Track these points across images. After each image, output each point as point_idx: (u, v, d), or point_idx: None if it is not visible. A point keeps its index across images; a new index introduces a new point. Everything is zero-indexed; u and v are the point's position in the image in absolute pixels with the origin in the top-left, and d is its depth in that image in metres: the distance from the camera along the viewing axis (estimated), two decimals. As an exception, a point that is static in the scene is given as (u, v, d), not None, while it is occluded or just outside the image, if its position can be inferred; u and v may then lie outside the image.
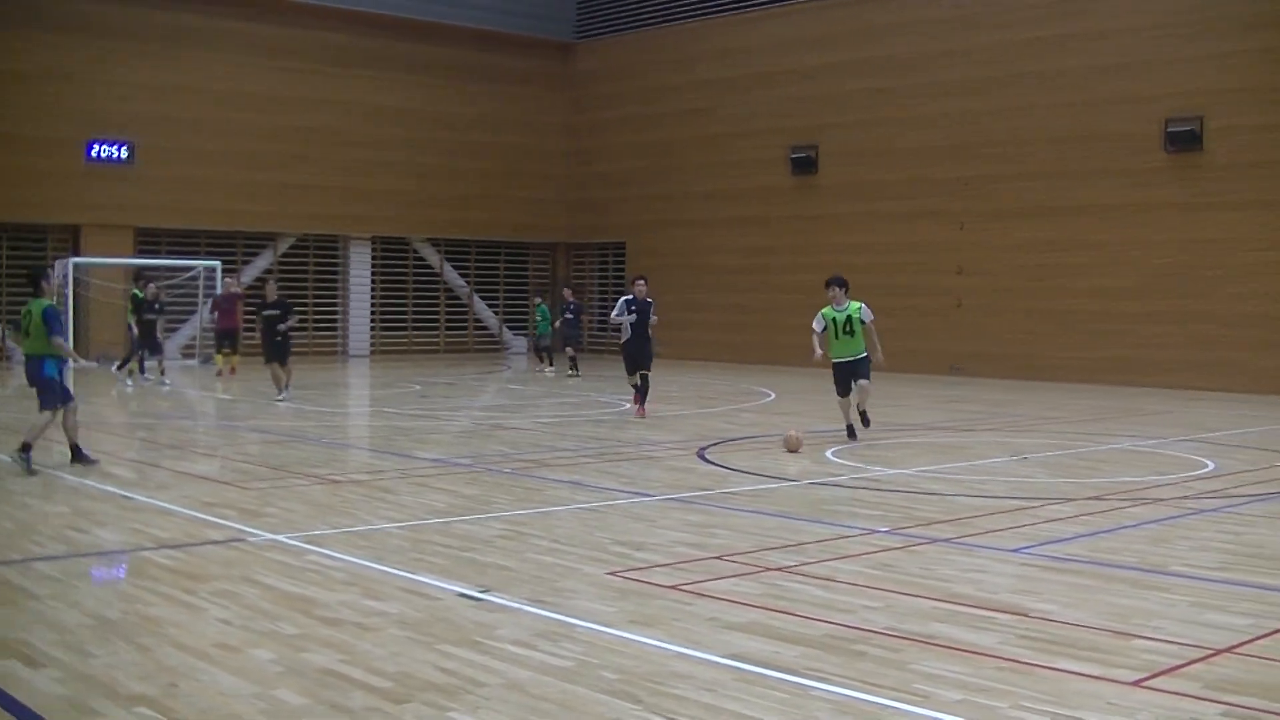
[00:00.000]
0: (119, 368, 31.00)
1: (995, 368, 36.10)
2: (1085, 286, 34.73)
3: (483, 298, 49.09)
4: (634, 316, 23.97)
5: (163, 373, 31.09)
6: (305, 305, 44.64)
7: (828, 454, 18.40)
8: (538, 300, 38.88)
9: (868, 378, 20.35)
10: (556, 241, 49.95)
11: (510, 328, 49.73)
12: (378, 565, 10.41)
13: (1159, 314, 33.35)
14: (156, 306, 31.14)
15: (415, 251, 47.39)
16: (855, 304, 20.55)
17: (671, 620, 8.67)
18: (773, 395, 29.45)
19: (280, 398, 26.37)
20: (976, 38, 37.35)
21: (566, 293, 36.91)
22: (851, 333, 20.33)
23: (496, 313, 49.50)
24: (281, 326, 26.98)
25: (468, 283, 48.54)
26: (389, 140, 45.35)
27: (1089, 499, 14.32)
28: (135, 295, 31.13)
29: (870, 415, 20.82)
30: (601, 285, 49.47)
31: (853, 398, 20.36)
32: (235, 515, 12.74)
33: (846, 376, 20.37)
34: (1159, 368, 33.06)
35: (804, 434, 19.43)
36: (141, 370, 31.46)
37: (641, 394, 23.78)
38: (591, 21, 49.11)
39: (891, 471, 16.55)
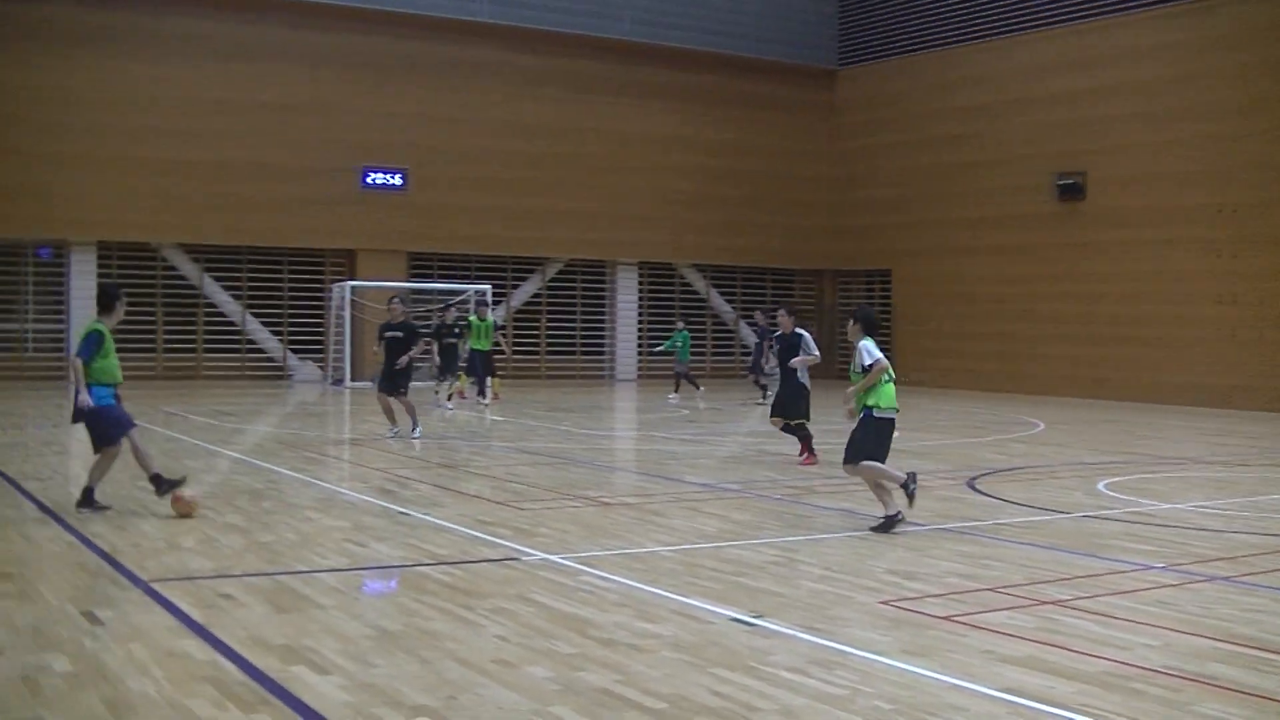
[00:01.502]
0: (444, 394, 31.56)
1: (1265, 400, 35.02)
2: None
3: (749, 324, 49.14)
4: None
5: (449, 396, 31.35)
6: (573, 329, 45.25)
7: (1099, 486, 18.06)
8: (680, 326, 38.67)
9: None
10: (822, 269, 49.82)
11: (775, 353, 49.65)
12: (650, 587, 10.52)
13: None
14: (456, 330, 31.56)
15: (682, 277, 47.69)
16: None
17: (945, 651, 8.62)
18: (1041, 425, 28.97)
19: (390, 433, 23.42)
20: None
21: (758, 316, 36.53)
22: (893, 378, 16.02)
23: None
24: (405, 358, 22.91)
25: (734, 308, 48.66)
26: (653, 167, 45.73)
27: (1376, 539, 13.87)
28: (469, 321, 31.84)
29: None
30: (867, 312, 49.12)
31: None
32: (510, 534, 12.97)
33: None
34: None
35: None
36: (480, 393, 32.02)
37: (804, 441, 20.39)
38: (854, 48, 48.92)
39: (1165, 506, 16.17)
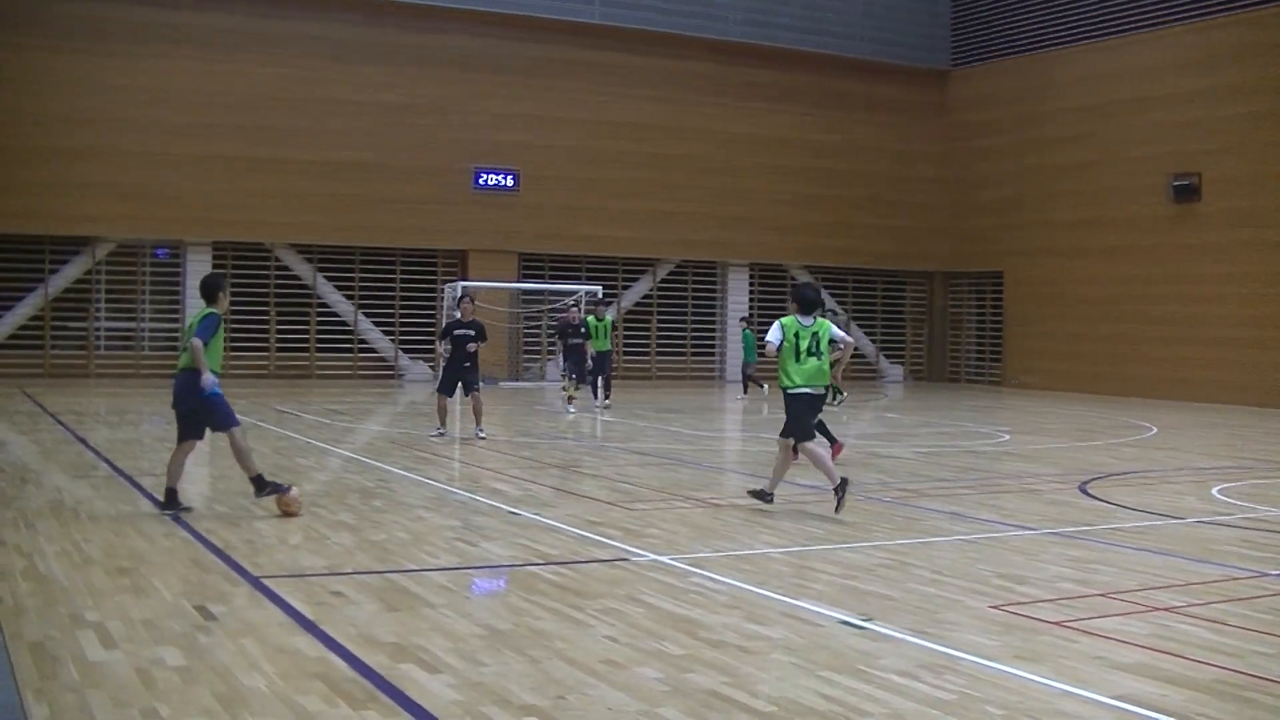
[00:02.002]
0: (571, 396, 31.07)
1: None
2: None
3: (859, 325, 48.94)
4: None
5: (569, 399, 30.83)
6: (683, 330, 45.26)
7: (1214, 491, 17.84)
8: (744, 326, 38.42)
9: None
10: (932, 270, 49.55)
11: (887, 356, 49.49)
12: (759, 589, 10.49)
13: None
14: (583, 330, 31.02)
15: (793, 278, 47.56)
16: (825, 320, 15.48)
17: (1057, 657, 8.54)
18: (1154, 429, 28.66)
19: (438, 433, 23.42)
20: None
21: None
22: (819, 354, 15.04)
23: (873, 340, 49.31)
24: (470, 347, 22.60)
25: (844, 310, 48.50)
26: (764, 168, 45.69)
27: None
28: (589, 322, 31.18)
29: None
30: (979, 314, 48.88)
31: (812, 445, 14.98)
32: (619, 535, 13.00)
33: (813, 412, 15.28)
34: None
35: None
36: (599, 394, 31.55)
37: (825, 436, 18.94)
38: (966, 49, 48.59)
39: (1282, 512, 15.99)
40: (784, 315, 15.16)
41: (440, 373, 23.91)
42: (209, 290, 14.19)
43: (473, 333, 22.84)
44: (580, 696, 7.51)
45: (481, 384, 23.09)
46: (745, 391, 36.55)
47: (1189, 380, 39.19)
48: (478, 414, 23.16)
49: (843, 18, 46.81)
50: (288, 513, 13.86)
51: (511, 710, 7.22)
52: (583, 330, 31.02)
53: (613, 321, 31.71)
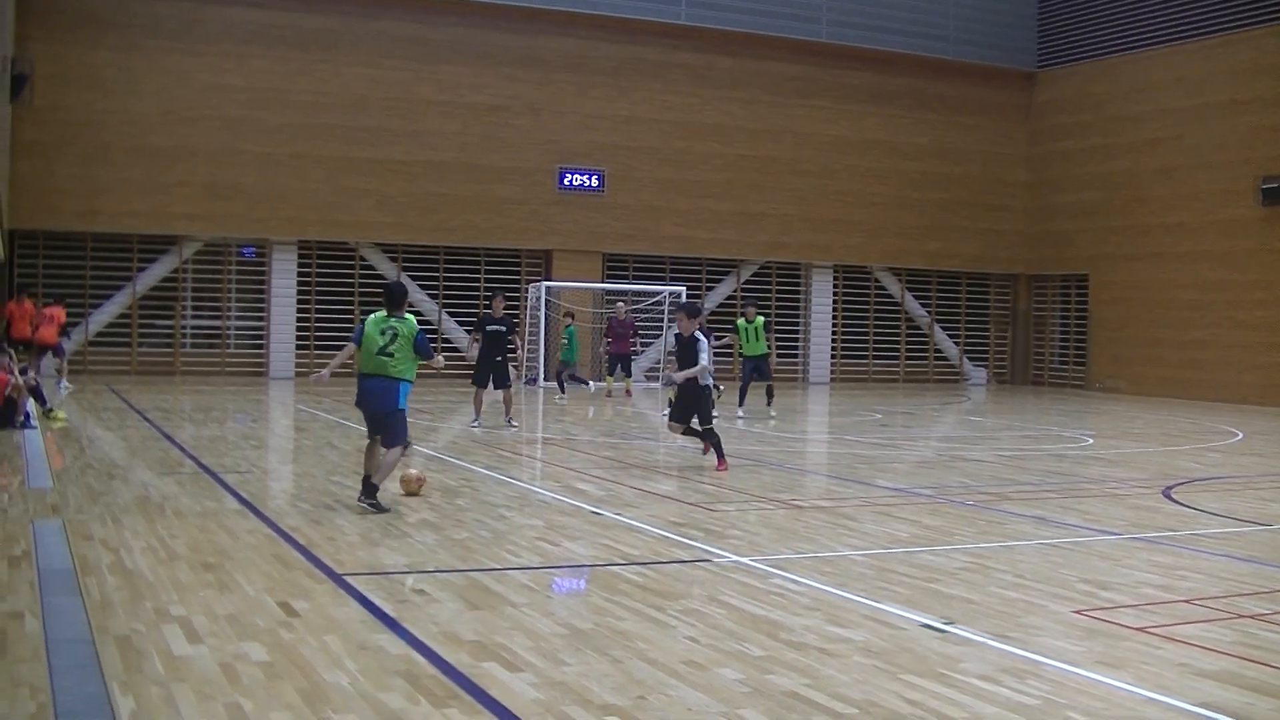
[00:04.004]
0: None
1: None
2: None
3: (943, 328, 48.72)
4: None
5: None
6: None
7: (1304, 498, 17.67)
8: (568, 323, 37.46)
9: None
10: (1017, 273, 49.23)
11: (971, 359, 49.23)
12: (841, 592, 10.47)
13: None
14: (697, 337, 29.88)
15: (877, 280, 47.41)
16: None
17: (1140, 663, 8.47)
18: (1240, 435, 28.35)
19: (475, 424, 24.62)
20: None
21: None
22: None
23: (957, 343, 49.07)
24: (511, 349, 24.33)
25: (928, 312, 48.29)
26: (846, 169, 45.52)
27: None
28: (739, 325, 29.69)
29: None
30: (1064, 318, 48.52)
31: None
32: (701, 536, 12.99)
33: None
34: None
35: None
36: (743, 400, 29.78)
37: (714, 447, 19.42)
38: (1053, 50, 48.14)
39: (1374, 519, 15.79)
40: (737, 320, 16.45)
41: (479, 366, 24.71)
42: (396, 298, 14.97)
43: (504, 329, 24.23)
44: (661, 697, 7.52)
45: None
46: (563, 392, 34.20)
47: (1277, 386, 38.75)
48: (507, 405, 24.65)
49: (931, 19, 46.56)
50: (411, 493, 15.03)
51: (592, 710, 7.25)
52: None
53: (766, 322, 29.85)
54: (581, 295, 40.90)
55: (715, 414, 20.01)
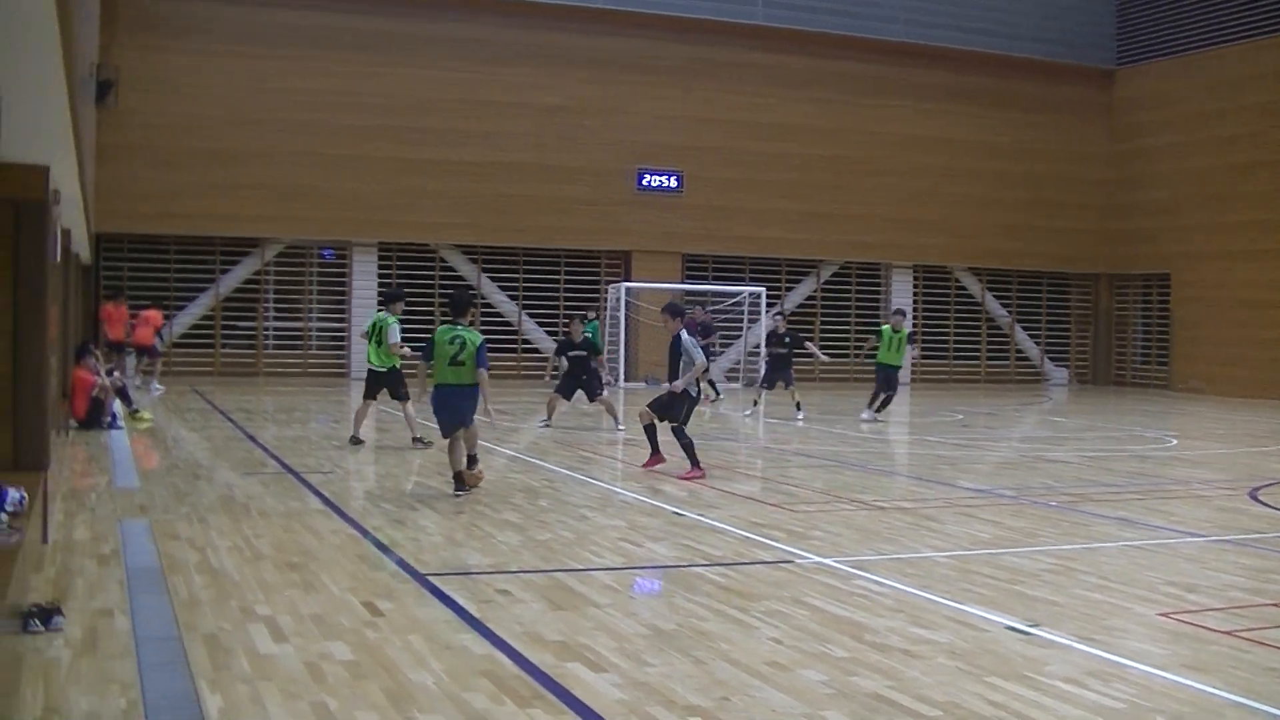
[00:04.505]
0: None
1: None
2: None
3: (1024, 328, 48.44)
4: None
5: (797, 406, 28.70)
6: (847, 332, 45.09)
7: (1393, 500, 17.45)
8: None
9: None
10: (1097, 272, 48.87)
11: (1051, 359, 48.91)
12: (924, 593, 10.43)
13: None
14: (786, 340, 28.72)
15: (957, 280, 47.20)
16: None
17: (1228, 668, 8.39)
18: (1329, 436, 28.07)
19: (543, 424, 25.08)
20: None
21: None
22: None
23: (1038, 343, 48.77)
24: (594, 365, 24.39)
25: (1009, 312, 48.03)
26: (924, 169, 45.33)
27: None
28: (884, 331, 28.70)
29: None
30: (1145, 317, 48.12)
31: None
32: (783, 537, 12.97)
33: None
34: None
35: None
36: (880, 407, 29.08)
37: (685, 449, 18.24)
38: (1133, 47, 47.74)
39: None
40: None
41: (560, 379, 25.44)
42: (462, 306, 15.79)
43: (585, 353, 24.32)
44: (744, 698, 7.52)
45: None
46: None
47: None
48: (612, 414, 24.99)
49: (1009, 17, 46.31)
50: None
51: (676, 710, 7.26)
52: (787, 340, 28.79)
53: (911, 332, 28.95)
54: (660, 296, 40.90)
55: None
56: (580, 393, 24.57)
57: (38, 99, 8.59)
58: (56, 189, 12.79)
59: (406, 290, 28.22)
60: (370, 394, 21.11)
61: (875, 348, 28.80)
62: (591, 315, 34.75)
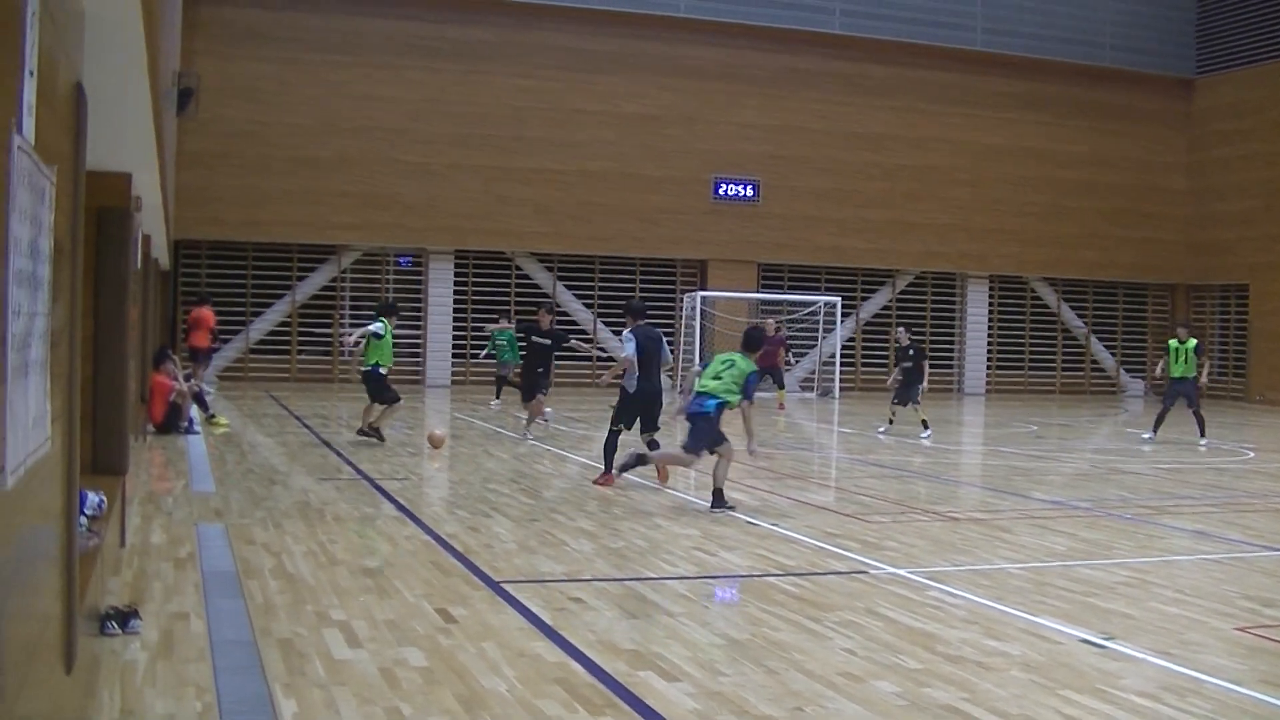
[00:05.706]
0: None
1: None
2: None
3: (1100, 339, 48.14)
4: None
5: (924, 424, 27.18)
6: (922, 341, 44.90)
7: None
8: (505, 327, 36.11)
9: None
10: (1175, 283, 48.49)
11: (1127, 370, 48.58)
12: (998, 605, 10.38)
13: None
14: (912, 352, 27.66)
15: (1033, 290, 46.97)
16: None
17: (1307, 683, 8.33)
18: None
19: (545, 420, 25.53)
20: None
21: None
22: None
23: (1114, 354, 48.46)
24: (577, 343, 25.23)
25: (1085, 323, 47.74)
26: (1004, 179, 45.14)
27: None
28: (1170, 345, 27.61)
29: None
30: (1223, 328, 47.72)
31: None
32: (857, 547, 12.95)
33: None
34: None
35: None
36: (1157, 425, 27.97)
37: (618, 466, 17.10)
38: (1213, 56, 47.37)
39: None
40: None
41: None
42: (756, 343, 15.90)
43: (549, 342, 23.92)
44: (817, 709, 7.51)
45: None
46: (498, 397, 32.87)
47: None
48: (532, 415, 24.18)
49: (1087, 26, 46.07)
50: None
51: (747, 720, 7.26)
52: (912, 352, 27.70)
53: (1198, 345, 27.39)
54: (736, 305, 40.94)
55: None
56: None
57: (122, 107, 8.69)
58: (138, 196, 12.91)
59: (398, 304, 27.31)
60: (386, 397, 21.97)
61: (1161, 370, 27.89)
62: (504, 322, 34.07)
